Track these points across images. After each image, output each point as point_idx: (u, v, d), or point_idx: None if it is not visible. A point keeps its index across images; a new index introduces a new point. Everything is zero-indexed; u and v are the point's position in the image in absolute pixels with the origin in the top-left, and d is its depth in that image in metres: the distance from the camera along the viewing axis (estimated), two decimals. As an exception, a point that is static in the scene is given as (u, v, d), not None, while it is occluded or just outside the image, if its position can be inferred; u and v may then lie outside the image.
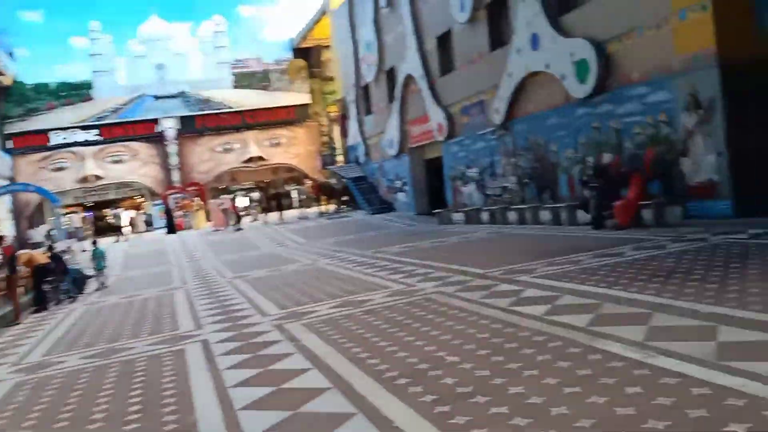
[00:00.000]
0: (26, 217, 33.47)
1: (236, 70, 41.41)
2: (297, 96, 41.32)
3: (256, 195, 33.78)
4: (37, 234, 22.53)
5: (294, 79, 41.42)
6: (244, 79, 41.35)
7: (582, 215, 12.83)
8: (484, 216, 17.28)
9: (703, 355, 3.99)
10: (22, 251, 14.73)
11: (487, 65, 18.05)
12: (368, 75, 28.01)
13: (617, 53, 12.79)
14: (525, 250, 10.62)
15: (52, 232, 25.47)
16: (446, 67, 21.06)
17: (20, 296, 12.13)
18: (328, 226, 24.08)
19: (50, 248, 15.19)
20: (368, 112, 29.27)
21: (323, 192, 31.30)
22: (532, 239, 12.33)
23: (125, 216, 32.96)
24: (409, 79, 23.63)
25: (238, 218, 28.12)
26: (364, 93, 29.55)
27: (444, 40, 21.07)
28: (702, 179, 10.58)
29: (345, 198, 30.66)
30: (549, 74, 15.00)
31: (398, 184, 26.10)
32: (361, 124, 30.15)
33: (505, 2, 17.03)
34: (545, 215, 14.45)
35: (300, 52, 41.39)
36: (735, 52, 10.08)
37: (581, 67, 13.65)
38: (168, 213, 31.64)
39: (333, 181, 32.74)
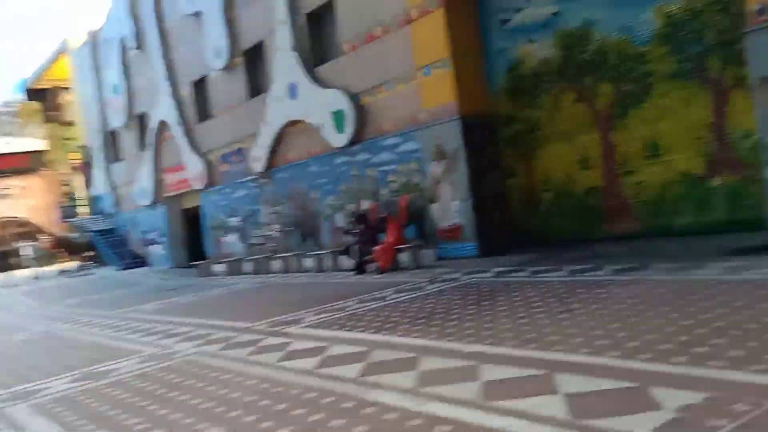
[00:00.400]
0: None
1: (-47, 110, 35.76)
2: (31, 142, 36.93)
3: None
4: None
5: (27, 122, 37.06)
6: (-36, 120, 35.84)
7: (345, 261, 13.01)
8: (247, 266, 16.75)
9: (473, 396, 4.00)
10: None
11: (246, 113, 17.80)
12: (116, 120, 25.98)
13: (371, 105, 13.41)
14: (291, 299, 10.35)
15: None
16: (204, 113, 20.36)
17: None
18: (69, 286, 21.43)
19: None
20: (117, 159, 27.05)
21: (63, 247, 27.96)
22: (297, 288, 12.12)
23: None
24: (162, 125, 22.38)
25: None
26: (111, 139, 27.31)
27: (200, 86, 20.40)
28: (449, 223, 11.40)
29: (89, 253, 27.73)
30: (308, 123, 15.21)
31: (152, 235, 24.34)
32: (108, 172, 27.72)
33: (262, 50, 17.04)
34: (309, 262, 14.41)
35: (34, 94, 37.30)
36: (471, 107, 11.16)
37: (338, 117, 14.06)
38: None
39: (75, 234, 29.48)
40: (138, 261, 24.52)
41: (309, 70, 15.10)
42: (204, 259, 19.80)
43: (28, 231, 35.75)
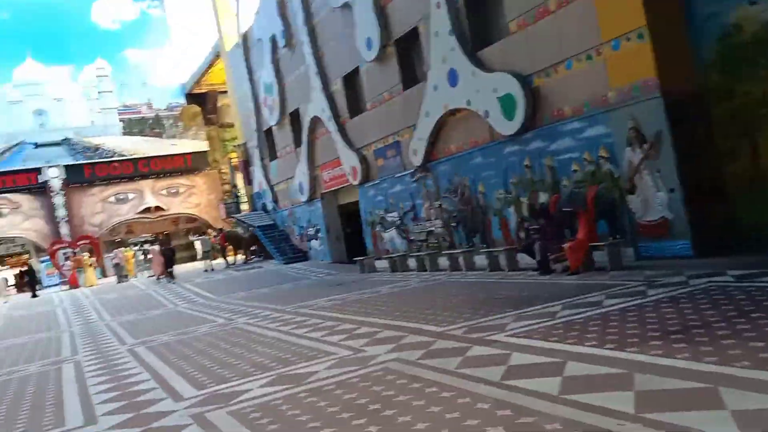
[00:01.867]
0: None
1: (125, 116, 38.81)
2: (194, 143, 39.30)
3: (154, 248, 31.19)
4: None
5: (189, 125, 39.46)
6: (135, 126, 38.83)
7: (525, 259, 12.00)
8: (412, 263, 16.21)
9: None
10: None
11: (401, 104, 17.25)
12: (270, 119, 26.64)
13: (545, 87, 12.23)
14: (475, 300, 9.55)
15: None
16: (356, 107, 20.14)
17: None
18: (239, 279, 22.20)
19: None
20: (273, 157, 27.79)
21: (230, 242, 29.27)
22: (476, 287, 11.29)
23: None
24: (316, 121, 22.51)
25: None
26: (267, 137, 28.11)
27: (352, 80, 20.19)
28: (654, 217, 9.99)
29: (254, 248, 28.82)
30: (471, 111, 14.32)
31: (311, 231, 24.68)
32: (266, 170, 28.59)
33: (416, 38, 16.37)
34: (481, 260, 13.54)
35: (194, 98, 39.60)
36: (676, 83, 9.65)
37: (507, 103, 13.01)
38: (30, 273, 28.27)
39: (239, 230, 30.82)
40: (299, 255, 25.02)
41: (470, 54, 14.18)
42: (363, 254, 19.64)
43: (197, 226, 38.09)
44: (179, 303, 18.04)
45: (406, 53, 17.14)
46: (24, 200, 34.45)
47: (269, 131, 27.55)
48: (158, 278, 25.13)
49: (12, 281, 30.79)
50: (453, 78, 14.69)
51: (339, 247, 23.28)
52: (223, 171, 39.67)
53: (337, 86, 20.78)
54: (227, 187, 39.06)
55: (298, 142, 24.56)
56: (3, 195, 34.05)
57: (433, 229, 16.53)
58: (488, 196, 14.28)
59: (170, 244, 27.32)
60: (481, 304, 9.05)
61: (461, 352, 6.30)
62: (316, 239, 24.34)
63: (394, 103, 17.67)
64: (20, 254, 36.44)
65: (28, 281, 27.85)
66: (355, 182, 20.18)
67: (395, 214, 18.38)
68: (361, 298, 12.44)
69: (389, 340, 7.59)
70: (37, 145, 36.19)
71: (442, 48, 14.92)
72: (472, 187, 14.78)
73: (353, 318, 9.88)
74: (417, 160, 16.58)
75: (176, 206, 38.23)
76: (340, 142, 20.67)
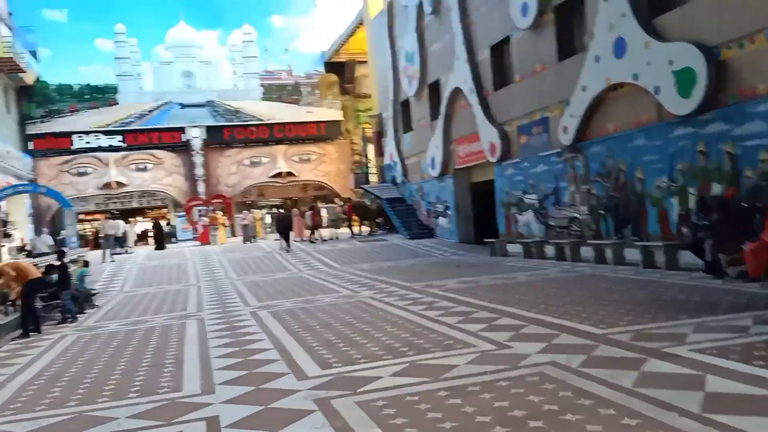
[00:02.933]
0: (47, 222, 31.78)
1: (266, 82, 39.67)
2: (328, 112, 39.46)
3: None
4: (41, 243, 19.77)
5: (325, 94, 39.64)
6: (274, 92, 39.57)
7: (686, 258, 10.40)
8: (549, 250, 14.89)
9: None
10: (8, 261, 12.69)
11: (554, 77, 15.78)
12: (409, 89, 25.85)
13: (735, 60, 10.43)
14: (637, 300, 8.24)
15: (60, 240, 23.70)
16: (502, 79, 18.83)
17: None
18: (363, 250, 21.82)
19: (61, 254, 13.13)
20: (407, 129, 27.06)
21: (357, 212, 29.04)
22: (634, 285, 9.88)
23: (134, 227, 31.12)
24: (456, 93, 21.43)
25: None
26: (403, 109, 27.40)
27: (499, 50, 18.88)
28: None
29: (379, 220, 28.42)
30: (637, 87, 12.67)
31: (440, 207, 23.78)
32: (398, 142, 27.96)
33: (578, 3, 14.79)
34: (633, 254, 12.04)
35: (332, 67, 39.74)
36: None
37: (684, 77, 11.30)
38: (157, 227, 29.55)
39: (366, 201, 30.54)
40: (424, 231, 24.24)
41: (644, 20, 12.49)
42: (490, 236, 18.51)
43: (324, 194, 38.45)
44: (303, 269, 17.90)
45: (565, 21, 15.60)
46: (167, 157, 36.23)
47: (406, 102, 26.82)
48: (308, 240, 25.24)
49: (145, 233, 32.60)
50: (620, 48, 13.07)
51: (467, 226, 22.24)
52: (354, 141, 39.67)
53: (484, 56, 19.53)
54: (357, 157, 39.01)
55: (434, 115, 23.64)
56: (149, 150, 36.00)
57: (577, 215, 15.04)
58: (647, 183, 12.63)
59: (289, 211, 27.10)
60: (644, 306, 7.74)
61: (635, 365, 5.15)
62: (444, 216, 23.42)
63: (546, 75, 16.23)
64: (160, 208, 38.50)
65: (154, 234, 29.24)
66: (493, 159, 18.97)
67: (534, 196, 17.02)
68: (496, 284, 11.41)
69: (538, 337, 6.53)
70: (182, 106, 37.84)
71: (610, 14, 13.31)
72: (629, 172, 13.17)
73: (490, 305, 8.89)
74: (567, 138, 15.11)
75: (306, 173, 38.71)
76: (480, 115, 19.49)
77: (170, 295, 14.25)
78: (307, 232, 25.96)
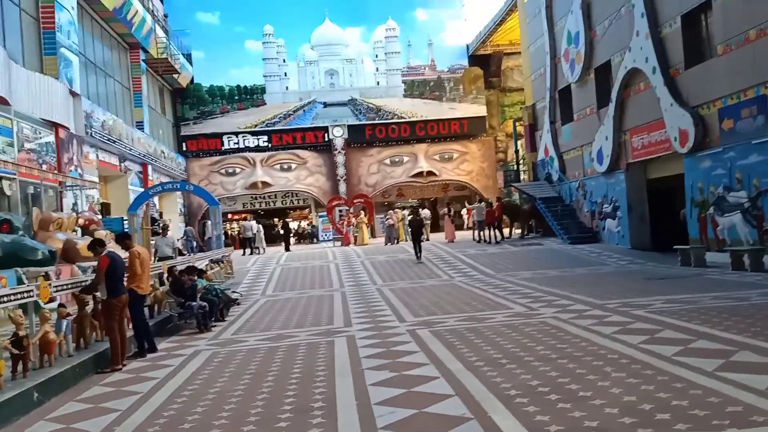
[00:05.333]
0: (198, 220, 32.45)
1: (408, 78, 38.21)
2: (472, 107, 37.24)
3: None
4: (163, 244, 17.30)
5: (468, 89, 37.47)
6: (416, 88, 38.01)
7: None
8: (772, 261, 11.81)
9: None
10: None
11: (776, 45, 12.59)
12: (570, 75, 23.03)
13: None
14: None
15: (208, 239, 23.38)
16: (696, 54, 15.73)
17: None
18: (518, 256, 19.43)
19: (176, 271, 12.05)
20: (567, 120, 24.22)
21: (506, 213, 26.59)
22: None
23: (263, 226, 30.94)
24: (633, 74, 18.45)
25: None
26: (561, 98, 24.60)
27: (694, 18, 15.77)
28: None
29: (531, 222, 25.82)
30: None
31: (607, 208, 20.81)
32: (555, 135, 25.18)
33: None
34: None
35: (477, 60, 37.50)
36: None
37: None
38: (285, 228, 28.96)
39: (518, 201, 28.01)
40: (587, 235, 21.34)
41: None
42: (670, 241, 15.49)
43: (465, 195, 36.28)
44: (454, 275, 15.93)
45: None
46: (310, 156, 35.83)
47: (565, 90, 23.98)
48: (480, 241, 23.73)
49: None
50: None
51: (642, 230, 19.17)
52: (498, 138, 37.18)
53: (672, 28, 16.47)
54: (501, 155, 36.50)
55: (601, 102, 20.73)
56: (293, 150, 35.79)
57: (813, 218, 11.80)
58: None
59: (418, 213, 25.05)
60: None
61: None
62: (613, 218, 20.42)
63: (764, 42, 13.05)
64: (302, 208, 38.24)
65: (283, 235, 28.80)
66: (683, 150, 15.87)
67: (743, 193, 13.83)
68: (726, 306, 8.69)
69: None
70: (325, 105, 37.37)
71: None
72: None
73: (753, 343, 6.29)
74: (794, 121, 11.92)
75: (447, 172, 36.71)
76: (667, 98, 16.43)
77: (314, 301, 12.84)
78: (475, 233, 24.34)
